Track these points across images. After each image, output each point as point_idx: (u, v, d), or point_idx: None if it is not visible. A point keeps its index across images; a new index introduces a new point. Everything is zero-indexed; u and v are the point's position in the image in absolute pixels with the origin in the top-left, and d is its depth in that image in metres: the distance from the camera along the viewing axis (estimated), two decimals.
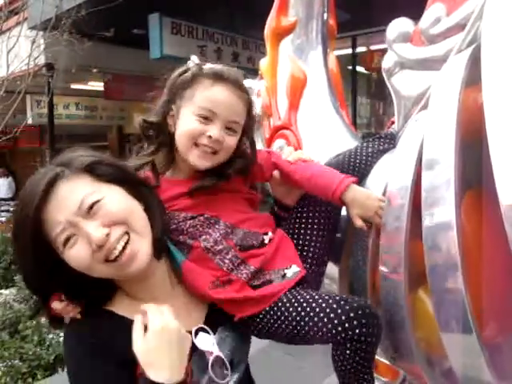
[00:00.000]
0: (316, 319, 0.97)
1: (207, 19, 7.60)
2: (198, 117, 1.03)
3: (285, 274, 1.06)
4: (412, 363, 1.12)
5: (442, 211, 0.93)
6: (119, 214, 0.91)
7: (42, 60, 6.66)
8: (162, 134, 1.09)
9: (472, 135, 0.96)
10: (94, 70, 8.54)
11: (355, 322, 0.95)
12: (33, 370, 3.55)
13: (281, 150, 1.63)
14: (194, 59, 1.10)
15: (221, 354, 0.97)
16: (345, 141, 1.56)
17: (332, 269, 1.28)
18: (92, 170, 0.93)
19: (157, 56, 6.98)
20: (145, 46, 7.19)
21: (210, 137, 1.02)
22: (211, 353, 0.96)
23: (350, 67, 8.07)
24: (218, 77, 1.04)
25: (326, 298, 1.01)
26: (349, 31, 7.07)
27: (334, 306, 0.97)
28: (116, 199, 0.92)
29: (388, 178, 1.14)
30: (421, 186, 1.00)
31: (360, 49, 8.21)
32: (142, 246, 0.92)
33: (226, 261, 1.03)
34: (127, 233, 0.91)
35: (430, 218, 0.95)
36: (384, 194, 1.14)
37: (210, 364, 0.95)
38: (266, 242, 1.08)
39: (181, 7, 6.61)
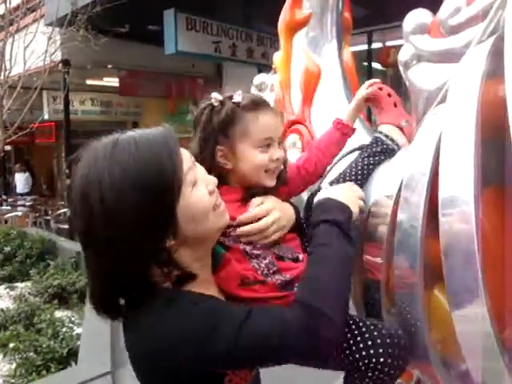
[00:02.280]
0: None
1: (222, 15, 7.59)
2: (261, 148, 1.10)
3: None
4: (427, 365, 1.08)
5: (461, 209, 0.89)
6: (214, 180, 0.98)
7: (58, 56, 6.73)
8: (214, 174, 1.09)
9: (493, 130, 0.92)
10: (109, 66, 8.59)
11: (381, 351, 0.95)
12: (47, 362, 3.59)
13: (294, 146, 1.61)
14: (216, 96, 1.12)
15: None
16: (359, 136, 1.52)
17: None
18: None
19: (171, 52, 6.99)
20: (160, 42, 7.21)
21: (277, 159, 1.12)
22: None
23: (366, 63, 7.98)
24: (256, 105, 1.11)
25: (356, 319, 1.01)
26: (364, 26, 6.99)
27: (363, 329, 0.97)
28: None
29: (403, 174, 1.11)
30: (438, 182, 0.96)
31: (376, 45, 8.11)
32: None
33: (262, 265, 1.05)
34: None
35: (448, 215, 0.91)
36: (399, 191, 1.11)
37: None
38: (301, 259, 1.11)
39: (196, 3, 6.60)
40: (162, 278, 0.89)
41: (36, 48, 6.07)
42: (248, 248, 1.06)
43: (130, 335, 0.92)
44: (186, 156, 0.91)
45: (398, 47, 1.26)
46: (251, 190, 1.12)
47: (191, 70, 9.89)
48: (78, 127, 9.44)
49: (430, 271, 1.02)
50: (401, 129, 1.37)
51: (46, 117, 10.08)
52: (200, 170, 0.95)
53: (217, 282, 1.02)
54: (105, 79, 10.62)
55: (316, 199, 1.12)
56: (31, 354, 3.97)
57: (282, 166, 1.15)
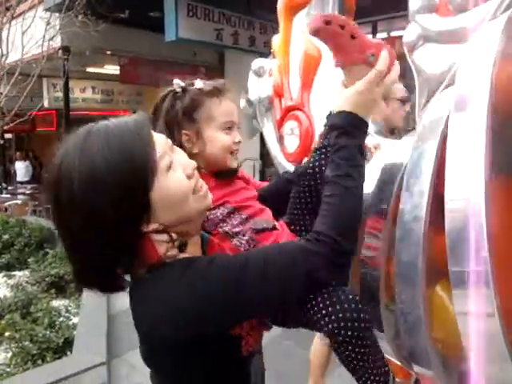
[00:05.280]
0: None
1: (224, 2, 7.46)
2: (225, 130, 1.16)
3: None
4: (426, 366, 1.02)
5: (469, 198, 0.82)
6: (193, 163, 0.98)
7: (57, 42, 6.63)
8: None
9: (506, 115, 0.85)
10: (108, 53, 8.46)
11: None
12: (42, 352, 3.56)
13: (292, 132, 1.53)
14: (178, 82, 1.17)
15: None
16: None
17: None
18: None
19: (172, 38, 6.87)
20: (161, 29, 7.09)
21: (239, 142, 1.18)
22: None
23: None
24: (218, 91, 1.16)
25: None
26: (369, 16, 6.86)
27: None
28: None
29: (406, 161, 1.04)
30: (443, 171, 0.89)
31: (380, 35, 7.99)
32: None
33: (243, 242, 1.10)
34: None
35: (455, 204, 0.84)
36: (401, 179, 1.04)
37: None
38: (277, 226, 1.17)
39: None
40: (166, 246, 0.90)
41: (34, 34, 5.97)
42: (227, 228, 1.11)
43: (145, 308, 0.90)
44: (161, 141, 0.90)
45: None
46: (219, 174, 1.17)
47: (193, 59, 9.78)
48: (78, 116, 9.37)
49: (433, 267, 0.95)
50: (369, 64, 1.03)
51: (46, 104, 10.00)
52: (178, 155, 0.94)
53: None
54: (106, 67, 10.52)
55: (339, 107, 1.01)
56: (27, 343, 3.94)
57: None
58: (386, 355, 1.06)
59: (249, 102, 1.74)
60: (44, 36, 5.69)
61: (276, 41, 1.70)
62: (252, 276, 0.87)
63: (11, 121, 5.46)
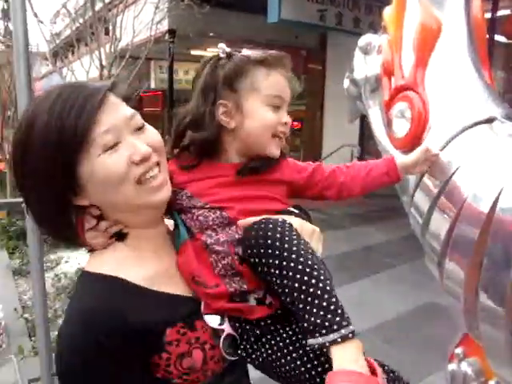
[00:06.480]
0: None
1: None
2: (271, 106, 1.00)
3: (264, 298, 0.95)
4: None
5: None
6: (158, 143, 0.94)
7: (164, 26, 6.88)
8: (213, 131, 1.01)
9: None
10: (211, 35, 8.62)
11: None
12: None
13: (402, 115, 1.36)
14: (223, 46, 1.01)
15: (232, 332, 0.95)
16: (485, 107, 1.24)
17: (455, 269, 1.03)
18: (127, 102, 0.95)
19: (274, 20, 6.80)
20: (263, 11, 7.04)
21: (285, 123, 1.02)
22: (223, 330, 0.94)
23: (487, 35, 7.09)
24: (268, 61, 1.00)
25: None
26: None
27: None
28: (155, 131, 0.96)
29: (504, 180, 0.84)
30: None
31: (502, 12, 7.17)
32: (167, 179, 0.95)
33: (220, 265, 0.94)
34: (158, 164, 0.93)
35: None
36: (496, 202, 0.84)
37: (221, 341, 0.93)
38: None
39: None
40: (94, 234, 0.91)
41: (144, 18, 6.25)
42: (210, 241, 0.94)
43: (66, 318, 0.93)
44: (117, 117, 0.88)
45: None
46: (247, 166, 0.99)
47: (294, 41, 9.64)
48: (181, 97, 9.74)
49: None
50: None
51: (152, 85, 10.54)
52: (139, 138, 0.90)
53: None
54: (208, 50, 10.77)
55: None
56: None
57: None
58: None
59: (353, 81, 1.59)
60: (152, 19, 5.93)
61: (387, 13, 1.53)
62: None
63: None
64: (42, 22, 5.70)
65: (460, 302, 1.09)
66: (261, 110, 0.99)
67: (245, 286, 0.92)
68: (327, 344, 0.79)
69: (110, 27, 5.87)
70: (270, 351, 0.93)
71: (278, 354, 0.92)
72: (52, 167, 0.84)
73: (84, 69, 6.13)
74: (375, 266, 5.71)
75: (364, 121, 1.70)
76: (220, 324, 0.94)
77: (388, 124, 1.39)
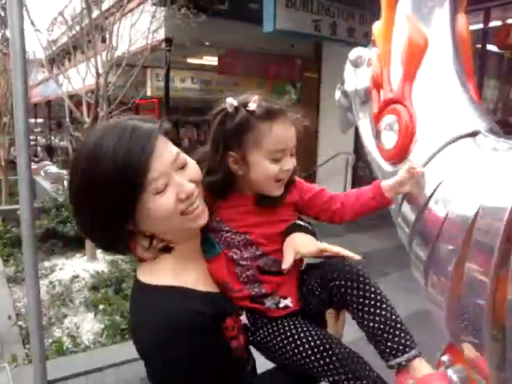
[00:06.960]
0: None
1: None
2: (272, 159, 1.11)
3: (278, 303, 1.17)
4: None
5: None
6: (198, 177, 1.08)
7: (161, 35, 6.93)
8: (224, 177, 1.17)
9: None
10: (207, 44, 8.68)
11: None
12: None
13: (390, 128, 1.40)
14: (231, 101, 1.11)
15: (246, 321, 1.16)
16: (469, 121, 1.28)
17: None
18: (167, 135, 1.07)
19: (269, 30, 6.84)
20: (259, 20, 7.10)
21: (287, 170, 1.14)
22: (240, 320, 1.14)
23: (479, 45, 7.19)
24: (271, 115, 1.10)
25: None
26: (480, 3, 6.28)
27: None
28: (195, 165, 1.09)
29: None
30: None
31: (493, 23, 7.27)
32: (205, 207, 1.10)
33: (244, 275, 1.15)
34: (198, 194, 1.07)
35: None
36: None
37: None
38: (285, 272, 1.16)
39: None
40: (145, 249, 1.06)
41: (141, 27, 6.30)
42: (235, 257, 1.15)
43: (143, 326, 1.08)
44: (166, 159, 1.00)
45: None
46: (261, 199, 1.17)
47: (290, 50, 9.72)
48: (177, 104, 9.78)
49: None
50: None
51: (149, 93, 10.58)
52: (183, 173, 1.03)
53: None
54: (205, 58, 10.85)
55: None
56: (117, 317, 4.19)
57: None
58: None
59: (344, 93, 1.63)
60: (149, 28, 5.98)
61: (377, 27, 1.57)
62: None
63: (117, 108, 5.82)
64: (39, 31, 5.74)
65: (443, 310, 1.13)
66: (263, 163, 1.11)
67: (263, 291, 1.15)
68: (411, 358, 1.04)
69: (107, 35, 5.91)
70: (278, 338, 1.14)
71: (285, 342, 1.13)
72: (114, 202, 0.96)
73: (80, 76, 6.17)
74: (368, 273, 5.73)
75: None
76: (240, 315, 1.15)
77: (377, 136, 1.43)
